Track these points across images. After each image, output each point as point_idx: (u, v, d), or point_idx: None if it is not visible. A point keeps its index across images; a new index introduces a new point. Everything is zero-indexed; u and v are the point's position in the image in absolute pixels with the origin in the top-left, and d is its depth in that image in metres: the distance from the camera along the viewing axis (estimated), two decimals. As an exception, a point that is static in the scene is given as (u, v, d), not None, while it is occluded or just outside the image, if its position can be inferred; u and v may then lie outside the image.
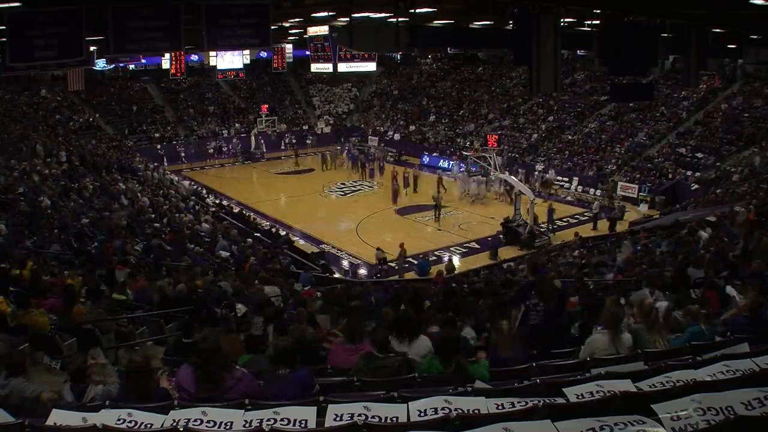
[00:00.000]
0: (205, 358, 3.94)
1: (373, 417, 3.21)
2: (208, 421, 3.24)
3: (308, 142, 39.03)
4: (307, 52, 32.17)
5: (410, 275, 17.88)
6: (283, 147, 37.92)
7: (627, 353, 4.86)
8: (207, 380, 3.90)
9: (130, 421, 3.26)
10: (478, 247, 20.40)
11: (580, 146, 30.38)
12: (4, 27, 7.82)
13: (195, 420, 3.23)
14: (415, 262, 18.75)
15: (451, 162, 31.52)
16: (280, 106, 41.55)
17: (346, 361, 5.13)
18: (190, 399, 3.84)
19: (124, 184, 20.60)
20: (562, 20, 11.64)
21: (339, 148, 35.40)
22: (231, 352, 4.57)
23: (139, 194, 19.69)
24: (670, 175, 25.75)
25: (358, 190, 28.87)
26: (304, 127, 40.53)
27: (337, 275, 17.29)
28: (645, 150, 28.37)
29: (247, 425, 3.20)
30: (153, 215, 17.31)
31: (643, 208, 24.66)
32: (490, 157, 25.82)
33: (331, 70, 29.69)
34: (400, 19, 12.03)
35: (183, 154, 35.40)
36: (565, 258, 16.01)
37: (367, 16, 15.58)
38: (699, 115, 28.79)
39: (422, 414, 3.23)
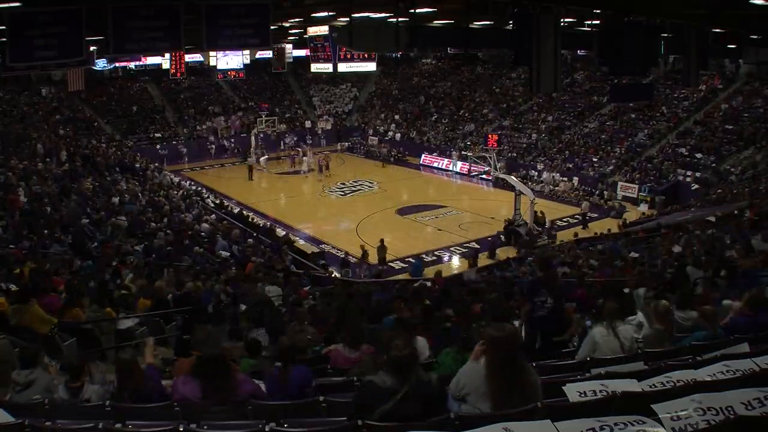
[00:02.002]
0: (209, 368, 3.93)
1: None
2: (210, 423, 3.24)
3: (309, 142, 39.03)
4: (308, 52, 32.20)
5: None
6: (282, 147, 37.94)
7: (630, 345, 4.88)
8: (213, 389, 3.89)
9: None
10: (478, 247, 20.39)
11: (580, 146, 30.40)
12: (4, 27, 7.81)
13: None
14: (413, 260, 18.78)
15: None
16: (280, 106, 41.55)
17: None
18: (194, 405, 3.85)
19: (124, 184, 20.61)
20: (562, 20, 11.62)
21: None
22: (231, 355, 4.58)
23: (139, 194, 19.69)
24: (671, 176, 25.80)
25: (358, 190, 28.88)
26: (305, 127, 40.54)
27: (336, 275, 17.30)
28: (645, 150, 28.38)
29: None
30: (153, 215, 17.30)
31: (643, 208, 24.67)
32: (490, 157, 25.82)
33: (331, 70, 29.71)
34: (400, 19, 12.00)
35: (183, 154, 35.39)
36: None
37: (367, 16, 15.56)
38: (699, 115, 28.79)
39: (422, 414, 3.22)
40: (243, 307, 8.67)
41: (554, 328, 6.24)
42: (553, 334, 6.17)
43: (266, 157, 33.63)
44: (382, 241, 18.88)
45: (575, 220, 23.40)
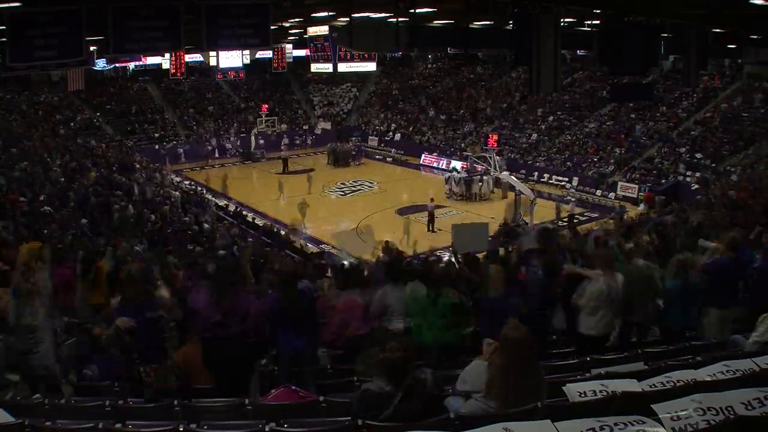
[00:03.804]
0: (224, 272, 4.05)
1: (373, 417, 3.20)
2: (210, 422, 3.25)
3: (308, 142, 39.03)
4: (307, 52, 32.18)
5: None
6: (281, 147, 37.91)
7: (621, 292, 5.27)
8: (222, 292, 3.99)
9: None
10: (478, 247, 20.33)
11: (580, 146, 30.38)
12: (4, 27, 7.82)
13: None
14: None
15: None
16: (280, 106, 41.54)
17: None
18: (204, 317, 3.96)
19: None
20: (562, 20, 11.64)
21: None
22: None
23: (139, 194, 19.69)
24: (671, 177, 25.81)
25: (358, 190, 28.87)
26: (303, 127, 40.52)
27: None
28: (645, 150, 28.37)
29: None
30: (153, 215, 17.29)
31: (643, 208, 24.64)
32: (490, 157, 25.82)
33: (331, 70, 29.69)
34: (400, 19, 12.03)
35: (183, 154, 35.36)
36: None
37: (367, 16, 15.56)
38: (699, 115, 28.79)
39: (422, 414, 3.22)
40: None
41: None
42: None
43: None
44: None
45: (564, 223, 23.23)
